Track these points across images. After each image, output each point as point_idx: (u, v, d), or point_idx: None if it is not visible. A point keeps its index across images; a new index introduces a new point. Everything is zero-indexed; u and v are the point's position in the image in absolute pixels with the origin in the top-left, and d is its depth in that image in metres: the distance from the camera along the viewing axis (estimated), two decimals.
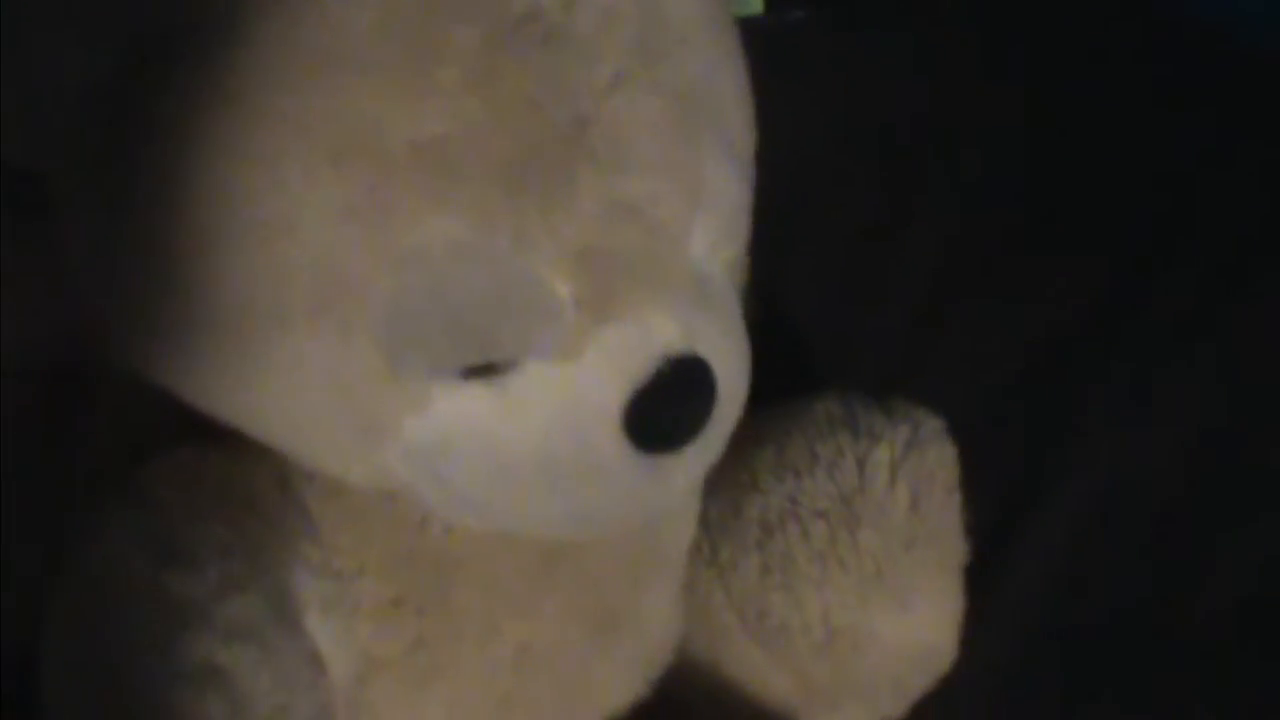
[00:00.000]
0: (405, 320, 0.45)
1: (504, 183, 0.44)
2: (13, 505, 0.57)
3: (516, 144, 0.44)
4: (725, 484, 0.63)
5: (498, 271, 0.45)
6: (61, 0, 0.47)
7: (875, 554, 0.61)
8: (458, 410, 0.47)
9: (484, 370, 0.46)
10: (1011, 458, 0.71)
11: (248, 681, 0.46)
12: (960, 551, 0.63)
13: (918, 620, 0.61)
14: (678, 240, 0.47)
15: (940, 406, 0.64)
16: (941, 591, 0.62)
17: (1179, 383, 0.73)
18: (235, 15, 0.44)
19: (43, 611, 0.49)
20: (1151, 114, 0.79)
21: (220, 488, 0.51)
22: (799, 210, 0.77)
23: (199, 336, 0.47)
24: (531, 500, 0.49)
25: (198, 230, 0.45)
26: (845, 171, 0.78)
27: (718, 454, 0.52)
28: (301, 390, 0.47)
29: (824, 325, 0.75)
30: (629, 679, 0.60)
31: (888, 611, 0.61)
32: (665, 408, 0.48)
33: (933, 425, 0.63)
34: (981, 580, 0.64)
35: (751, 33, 0.70)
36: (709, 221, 0.48)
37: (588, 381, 0.47)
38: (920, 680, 0.64)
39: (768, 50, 0.75)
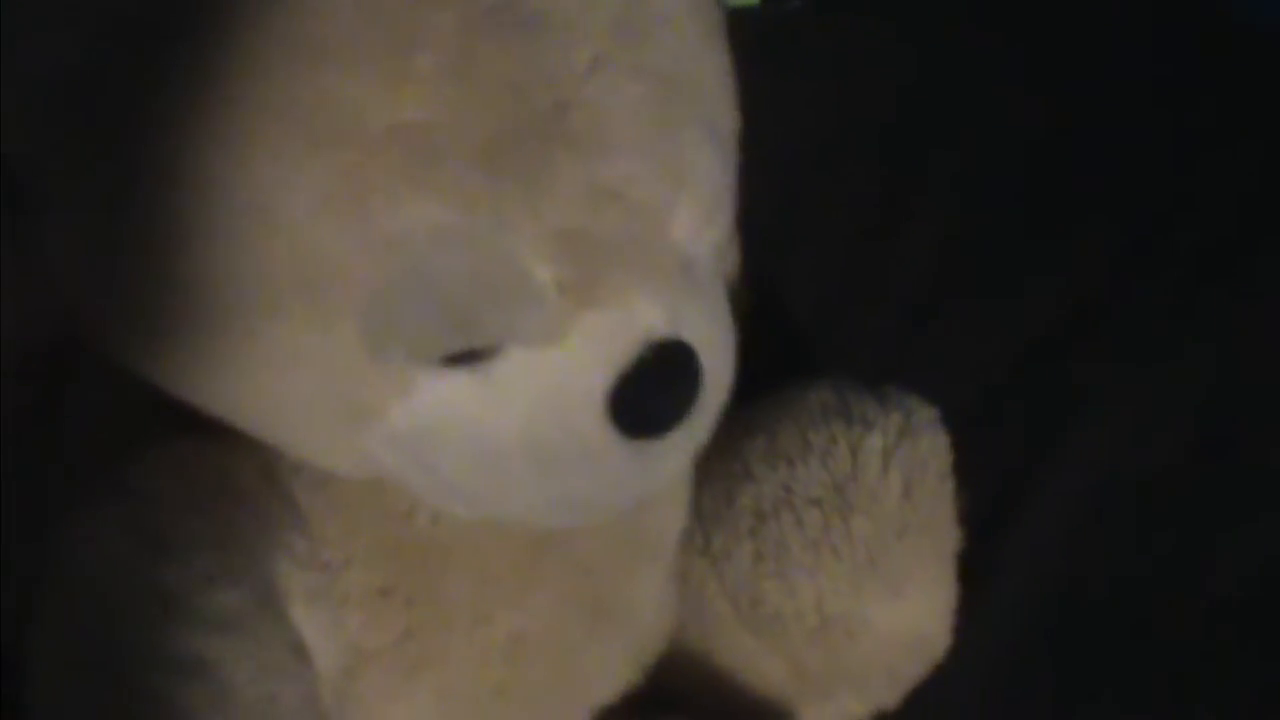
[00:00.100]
0: (387, 306, 0.45)
1: (484, 167, 0.44)
2: (13, 505, 0.57)
3: (496, 129, 0.44)
4: (718, 473, 0.63)
5: (479, 256, 0.44)
6: None
7: (868, 541, 0.60)
8: (442, 397, 0.47)
9: (468, 357, 0.46)
10: (1007, 449, 0.71)
11: (231, 672, 0.46)
12: (953, 539, 0.62)
13: (911, 608, 0.61)
14: (660, 223, 0.47)
15: (937, 397, 0.64)
16: (934, 579, 0.62)
17: (1176, 376, 0.72)
18: (213, 2, 0.44)
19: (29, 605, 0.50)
20: (1151, 103, 0.79)
21: (207, 480, 0.51)
22: (796, 203, 0.76)
23: (182, 327, 0.47)
24: (517, 487, 0.48)
25: (178, 219, 0.45)
26: (842, 164, 0.78)
27: (705, 439, 0.51)
28: (286, 378, 0.47)
29: (821, 318, 0.74)
30: (622, 667, 0.60)
31: (881, 599, 0.61)
32: (650, 393, 0.47)
33: (926, 413, 0.63)
34: (976, 570, 0.64)
35: (747, 24, 0.71)
36: (692, 205, 0.47)
37: (572, 367, 0.46)
38: (914, 668, 0.63)
39: (764, 42, 0.75)
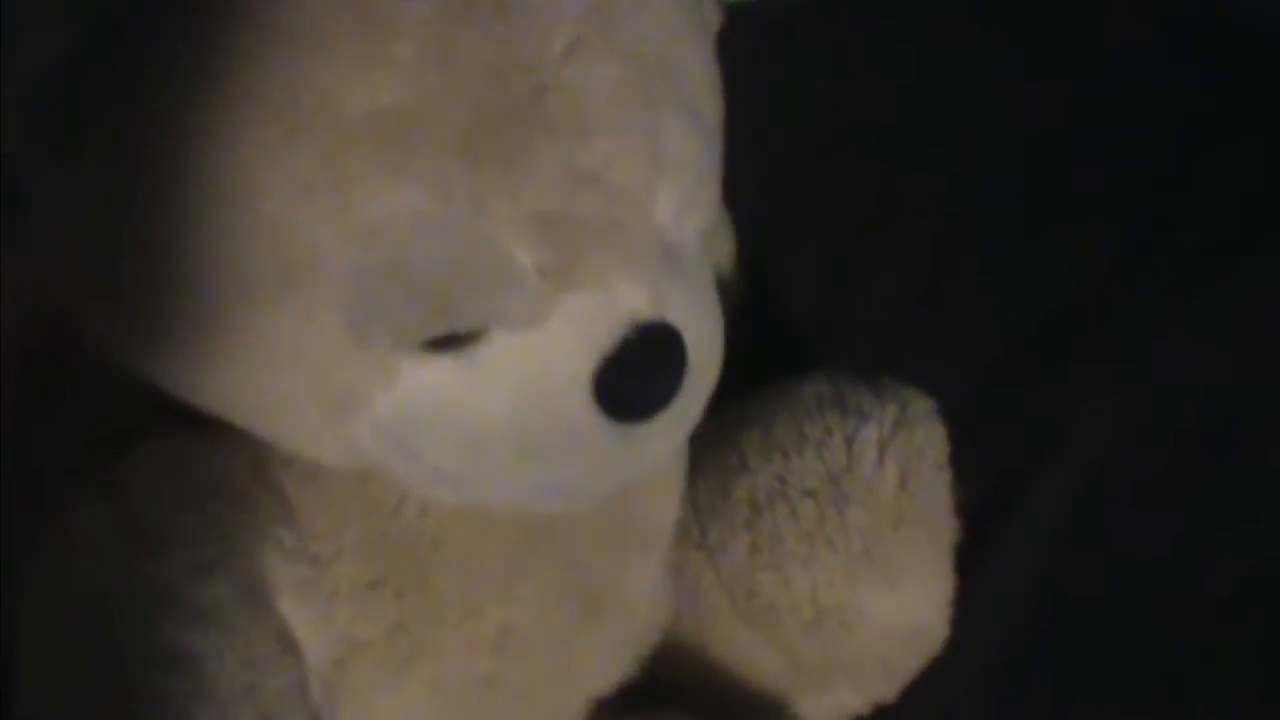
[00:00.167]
0: (368, 291, 0.45)
1: (462, 152, 0.44)
2: (13, 505, 0.57)
3: (473, 113, 0.44)
4: (713, 466, 0.63)
5: (459, 241, 0.44)
6: None
7: (864, 533, 0.60)
8: (426, 384, 0.47)
9: (451, 342, 0.46)
10: (1005, 442, 0.70)
11: (214, 664, 0.46)
12: (950, 530, 0.62)
13: (906, 599, 0.61)
14: (641, 206, 0.47)
15: (935, 389, 0.63)
16: (931, 570, 0.62)
17: (1175, 372, 0.72)
18: None
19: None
20: (1151, 102, 0.78)
21: (194, 475, 0.51)
22: (794, 196, 0.76)
23: (168, 319, 0.47)
24: (503, 472, 0.48)
25: (159, 210, 0.45)
26: (840, 159, 0.77)
27: (693, 424, 0.51)
28: (270, 367, 0.47)
29: (818, 311, 0.74)
30: (615, 659, 0.59)
31: (876, 590, 0.60)
32: (635, 376, 0.47)
33: (921, 404, 0.62)
34: (973, 561, 0.64)
35: (745, 20, 0.71)
36: (673, 188, 0.47)
37: (555, 351, 0.46)
38: (910, 660, 0.63)
39: (762, 38, 0.75)
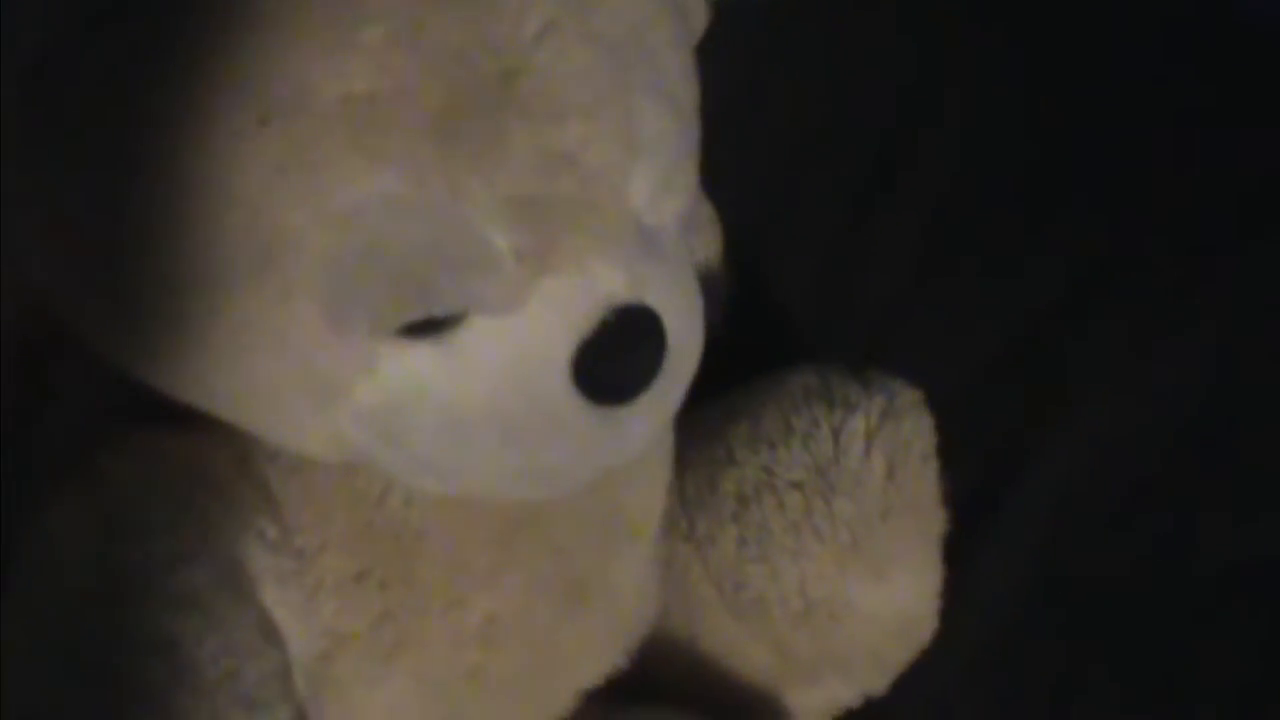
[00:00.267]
0: (345, 276, 0.45)
1: (435, 136, 0.44)
2: (12, 502, 0.57)
3: (445, 97, 0.44)
4: (701, 459, 0.63)
5: (434, 224, 0.45)
6: None
7: (851, 524, 0.60)
8: (407, 370, 0.47)
9: (430, 328, 0.46)
10: (999, 432, 0.70)
11: (193, 649, 0.46)
12: (938, 521, 0.62)
13: (895, 590, 0.61)
14: (616, 189, 0.47)
15: (927, 380, 0.63)
16: (919, 561, 0.62)
17: (1171, 362, 0.72)
18: None
19: None
20: (1152, 98, 0.78)
21: (175, 466, 0.51)
22: (787, 191, 0.76)
23: (146, 305, 0.47)
24: (486, 457, 0.48)
25: (136, 199, 0.45)
26: (834, 153, 0.77)
27: (674, 408, 0.52)
28: (251, 355, 0.47)
29: (809, 302, 0.74)
30: (602, 651, 0.59)
31: (865, 581, 0.61)
32: (614, 358, 0.47)
33: (909, 395, 0.63)
34: (964, 554, 0.64)
35: (742, 17, 0.71)
36: (649, 171, 0.47)
37: (534, 334, 0.47)
38: (900, 651, 0.63)
39: (757, 33, 0.75)
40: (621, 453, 0.51)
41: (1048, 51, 0.77)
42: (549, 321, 0.47)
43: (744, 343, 0.69)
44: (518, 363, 0.47)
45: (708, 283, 0.55)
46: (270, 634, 0.49)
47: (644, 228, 0.48)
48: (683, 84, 0.50)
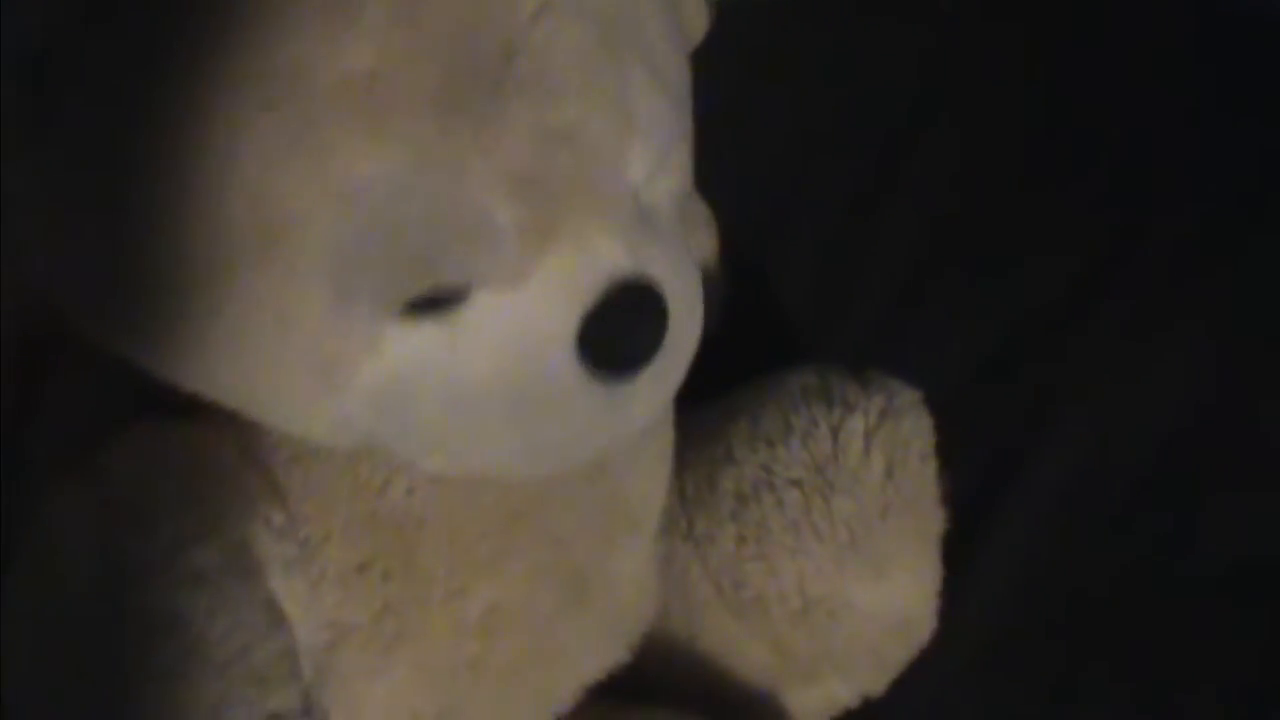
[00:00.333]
0: (349, 253, 0.45)
1: (435, 114, 0.45)
2: (12, 501, 0.57)
3: (444, 76, 0.45)
4: (701, 459, 0.63)
5: (437, 200, 0.45)
6: None
7: (850, 522, 0.61)
8: (412, 349, 0.47)
9: (434, 305, 0.47)
10: (997, 431, 0.71)
11: (204, 626, 0.46)
12: (937, 520, 0.63)
13: (894, 588, 0.61)
14: (614, 165, 0.48)
15: (927, 379, 0.64)
16: (918, 559, 0.62)
17: (1170, 359, 0.72)
18: None
19: None
20: (1151, 91, 0.79)
21: (178, 455, 0.52)
22: (786, 192, 0.77)
23: (154, 291, 0.47)
24: (493, 434, 0.49)
25: (139, 183, 0.46)
26: (833, 154, 0.78)
27: (676, 386, 0.52)
28: (256, 338, 0.47)
29: (809, 303, 0.75)
30: (602, 643, 0.59)
31: (863, 579, 0.61)
32: (617, 329, 0.48)
33: (908, 396, 0.63)
34: (964, 554, 0.64)
35: (742, 18, 0.71)
36: (644, 148, 0.48)
37: (537, 308, 0.47)
38: (899, 651, 0.63)
39: (758, 34, 0.76)
40: (625, 429, 0.51)
41: (1048, 52, 0.78)
42: (552, 296, 0.47)
43: (743, 343, 0.70)
44: (522, 338, 0.47)
45: (704, 283, 0.55)
46: (278, 616, 0.49)
47: (642, 206, 0.49)
48: (673, 66, 0.51)
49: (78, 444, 0.53)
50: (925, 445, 0.62)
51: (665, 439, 0.60)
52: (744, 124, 0.75)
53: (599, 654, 0.59)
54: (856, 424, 0.61)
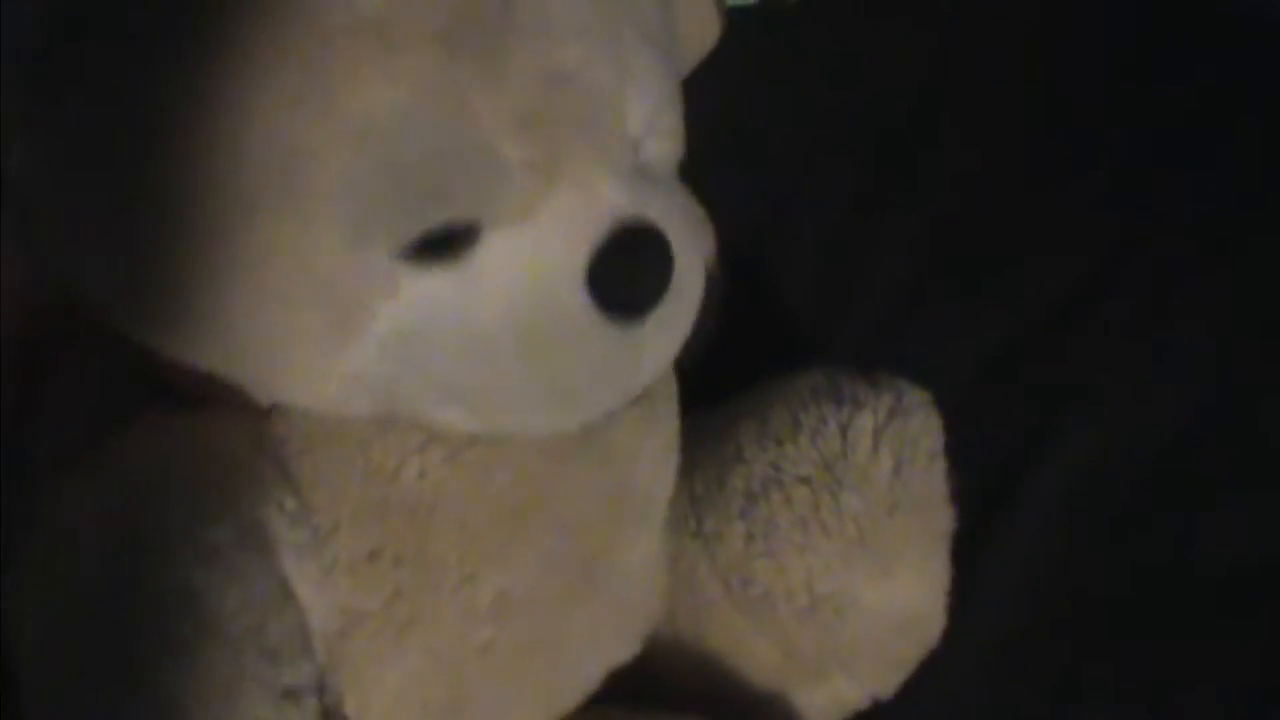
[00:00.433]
0: (362, 190, 0.47)
1: (441, 54, 0.47)
2: (12, 501, 0.57)
3: (449, 18, 0.47)
4: (710, 459, 0.63)
5: (445, 135, 0.47)
6: None
7: (858, 519, 0.60)
8: (426, 293, 0.49)
9: (445, 249, 0.48)
10: (1004, 432, 0.71)
11: (219, 601, 0.47)
12: (945, 519, 0.62)
13: (901, 586, 0.61)
14: (614, 108, 0.50)
15: (933, 379, 0.64)
16: (926, 558, 0.62)
17: (1173, 359, 0.72)
18: None
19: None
20: (1150, 92, 0.79)
21: (190, 442, 0.52)
22: (790, 193, 0.77)
23: (170, 246, 0.48)
24: (508, 378, 0.50)
25: (153, 134, 0.47)
26: (836, 156, 0.78)
27: (684, 334, 0.53)
28: (273, 284, 0.48)
29: (814, 305, 0.75)
30: (610, 634, 0.59)
31: (871, 576, 0.60)
32: (624, 269, 0.50)
33: (917, 395, 0.63)
34: (974, 554, 0.64)
35: (745, 23, 0.71)
36: (641, 98, 0.51)
37: (547, 247, 0.49)
38: (907, 650, 0.63)
39: (762, 37, 0.76)
40: (637, 376, 0.53)
41: (1048, 52, 0.78)
42: (561, 234, 0.49)
43: (746, 345, 0.70)
44: (533, 277, 0.49)
45: (704, 283, 0.55)
46: (289, 593, 0.49)
47: (642, 163, 0.51)
48: (662, 32, 0.53)
49: (79, 443, 0.53)
50: (934, 444, 0.62)
51: (671, 429, 0.60)
52: (745, 124, 0.76)
53: (608, 645, 0.59)
54: (865, 422, 0.61)
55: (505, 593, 0.55)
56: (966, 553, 0.63)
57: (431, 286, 0.49)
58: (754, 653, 0.63)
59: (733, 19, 0.72)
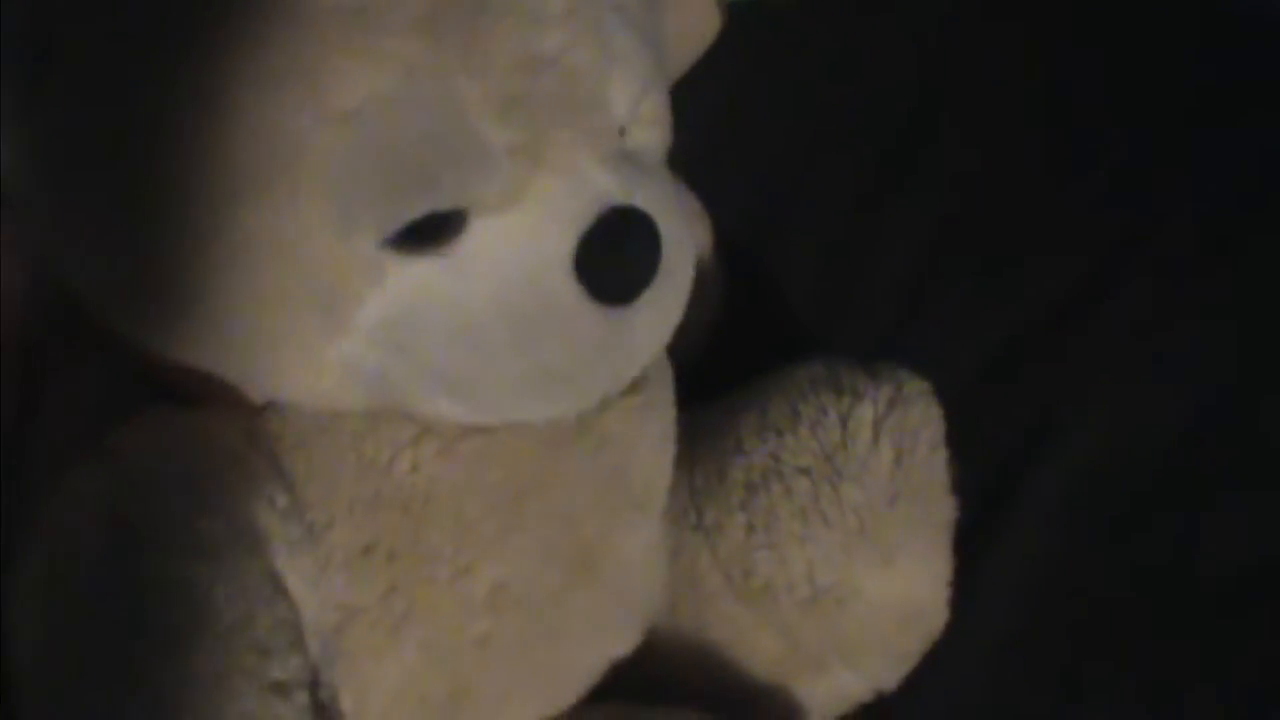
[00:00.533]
0: (346, 176, 0.47)
1: (423, 38, 0.47)
2: (12, 501, 0.57)
3: (430, 4, 0.47)
4: (710, 452, 0.63)
5: (429, 119, 0.47)
6: None
7: (858, 509, 0.60)
8: (413, 282, 0.49)
9: (432, 237, 0.48)
10: (1006, 426, 0.71)
11: (209, 592, 0.47)
12: (946, 509, 0.62)
13: (902, 576, 0.61)
14: (598, 92, 0.50)
15: (936, 373, 0.64)
16: (927, 548, 0.62)
17: (1176, 356, 0.72)
18: None
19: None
20: (1152, 91, 0.79)
21: (185, 437, 0.52)
22: (790, 190, 0.77)
23: (160, 242, 0.48)
24: (499, 365, 0.50)
25: (140, 127, 0.48)
26: (836, 153, 0.78)
27: (674, 320, 0.53)
28: (264, 276, 0.48)
29: (816, 301, 0.75)
30: (609, 625, 0.59)
31: (872, 567, 0.60)
32: (611, 253, 0.50)
33: (917, 385, 0.63)
34: (977, 549, 0.64)
35: (743, 20, 0.72)
36: (625, 82, 0.51)
37: (533, 233, 0.49)
38: (909, 641, 0.63)
39: (760, 38, 0.76)
40: (628, 361, 0.53)
41: (1048, 52, 0.78)
42: (547, 219, 0.49)
43: (746, 343, 0.70)
44: (520, 263, 0.49)
45: (700, 275, 0.56)
46: (280, 586, 0.49)
47: (628, 148, 0.51)
48: (643, 15, 0.53)
49: (79, 443, 0.53)
50: (934, 434, 0.62)
51: (667, 417, 0.60)
52: (746, 123, 0.76)
53: (607, 636, 0.59)
54: (865, 412, 0.61)
55: (502, 584, 0.54)
56: (967, 552, 0.63)
57: (419, 274, 0.49)
58: (756, 645, 0.63)
59: (732, 15, 0.72)
